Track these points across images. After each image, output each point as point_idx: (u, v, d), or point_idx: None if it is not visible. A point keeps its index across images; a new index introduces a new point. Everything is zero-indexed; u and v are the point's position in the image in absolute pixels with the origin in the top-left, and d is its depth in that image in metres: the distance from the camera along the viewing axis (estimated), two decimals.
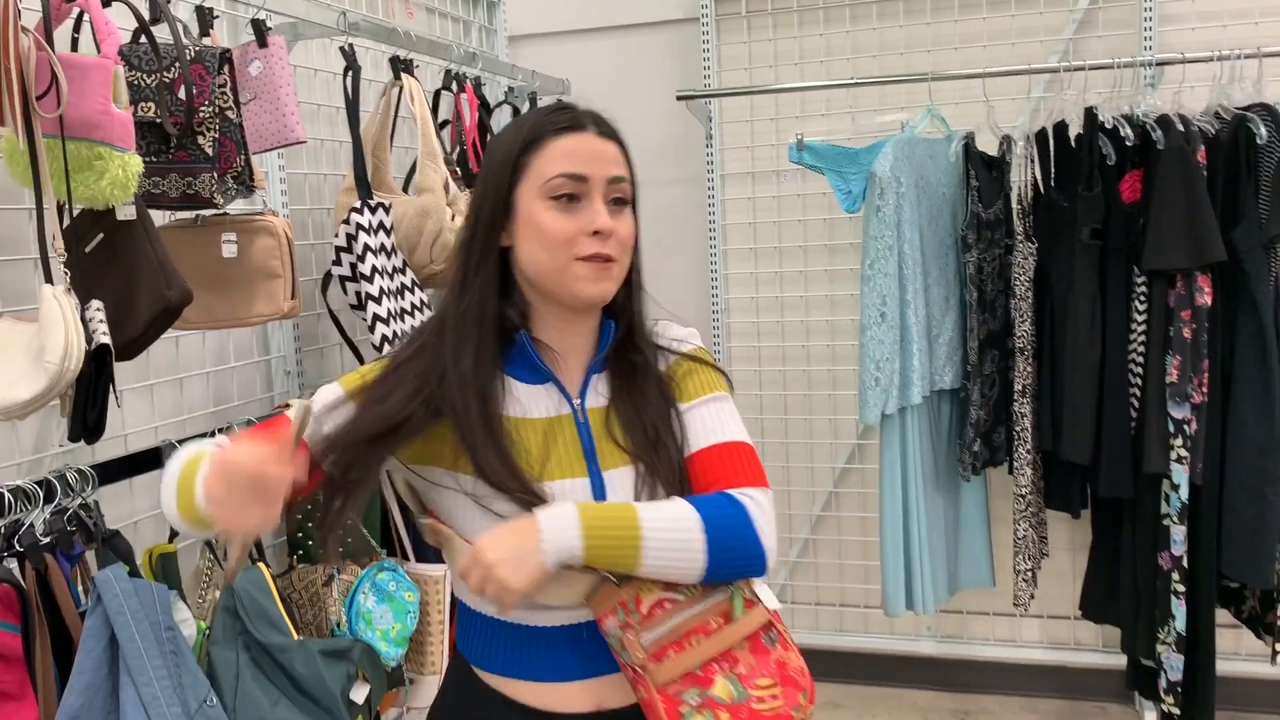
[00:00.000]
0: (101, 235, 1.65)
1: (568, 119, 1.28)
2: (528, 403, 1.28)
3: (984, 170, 2.91)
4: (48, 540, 1.54)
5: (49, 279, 1.52)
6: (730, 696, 1.21)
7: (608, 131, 1.30)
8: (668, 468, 1.27)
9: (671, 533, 1.18)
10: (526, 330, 1.29)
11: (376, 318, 2.23)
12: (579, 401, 1.30)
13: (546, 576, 1.15)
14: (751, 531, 1.21)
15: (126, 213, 1.62)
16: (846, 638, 3.60)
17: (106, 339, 1.52)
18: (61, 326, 1.46)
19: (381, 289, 2.26)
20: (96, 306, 1.55)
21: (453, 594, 1.39)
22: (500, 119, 3.14)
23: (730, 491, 1.24)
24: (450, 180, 2.47)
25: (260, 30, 2.00)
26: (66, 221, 1.62)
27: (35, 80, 1.48)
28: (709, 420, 1.31)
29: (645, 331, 1.36)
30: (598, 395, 1.31)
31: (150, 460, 1.86)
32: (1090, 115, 2.77)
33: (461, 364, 1.23)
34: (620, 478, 1.27)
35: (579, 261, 1.24)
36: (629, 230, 1.29)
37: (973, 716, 3.37)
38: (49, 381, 1.45)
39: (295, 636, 1.75)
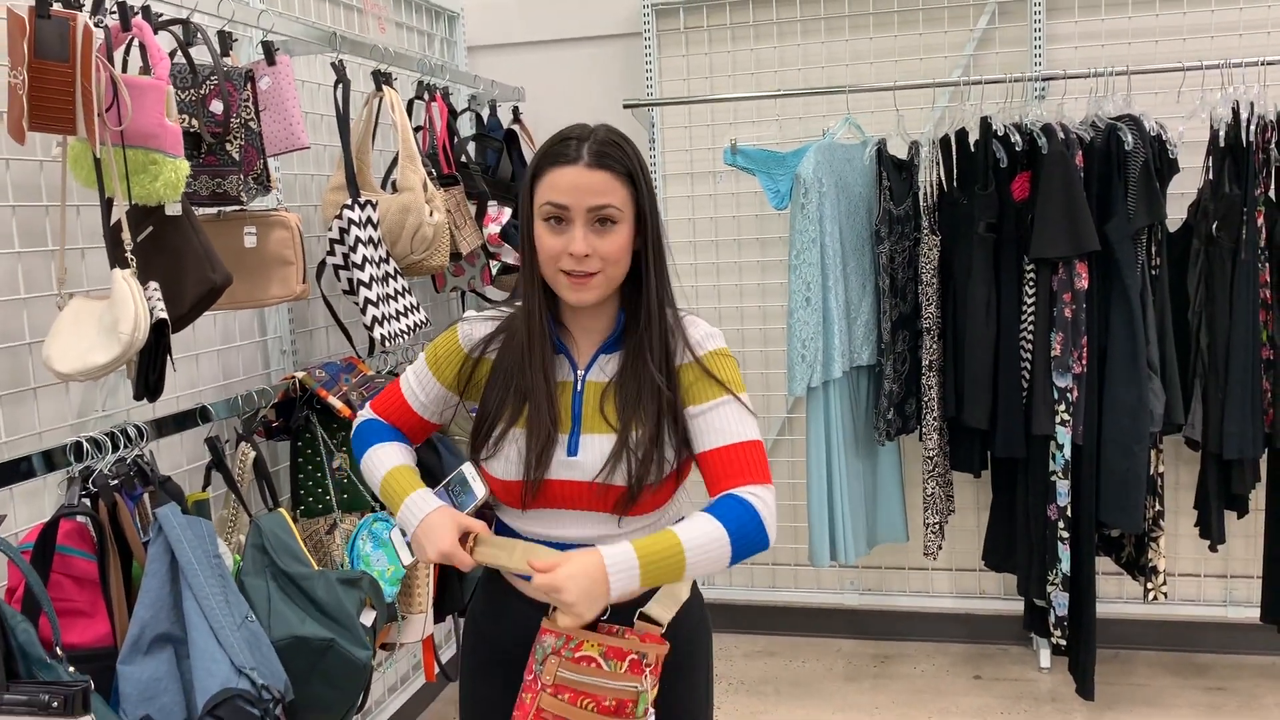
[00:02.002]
0: (150, 228, 1.93)
1: (562, 152, 1.51)
2: (557, 368, 1.61)
3: (895, 172, 3.30)
4: (116, 482, 1.84)
5: (116, 264, 1.80)
6: None
7: (598, 162, 1.50)
8: (644, 445, 1.53)
9: (707, 550, 1.44)
10: (553, 315, 1.61)
11: (368, 301, 2.54)
12: (581, 373, 1.61)
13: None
14: (761, 527, 1.47)
15: (174, 209, 1.91)
16: (778, 593, 3.98)
17: (164, 314, 1.81)
18: (132, 303, 1.75)
19: (371, 276, 2.57)
20: (154, 287, 1.84)
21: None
22: (463, 124, 3.45)
23: (741, 494, 1.49)
24: (427, 180, 2.78)
25: (269, 50, 2.30)
26: (116, 218, 1.91)
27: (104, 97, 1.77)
28: (719, 422, 1.54)
29: (663, 324, 1.58)
30: (602, 372, 1.60)
31: (179, 423, 2.16)
32: (985, 124, 3.17)
33: (529, 346, 1.59)
34: (595, 443, 1.56)
35: (562, 274, 1.54)
36: (611, 246, 1.51)
37: (891, 661, 3.75)
38: (122, 349, 1.74)
39: (315, 568, 2.07)
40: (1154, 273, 3.12)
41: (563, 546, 1.56)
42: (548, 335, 1.60)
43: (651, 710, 1.56)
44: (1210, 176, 3.10)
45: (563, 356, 1.63)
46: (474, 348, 1.67)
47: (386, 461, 1.65)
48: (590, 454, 1.56)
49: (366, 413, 1.76)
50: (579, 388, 1.60)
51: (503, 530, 1.67)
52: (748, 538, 1.47)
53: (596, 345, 1.62)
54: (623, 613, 1.57)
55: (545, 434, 1.55)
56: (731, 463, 1.52)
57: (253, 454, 2.24)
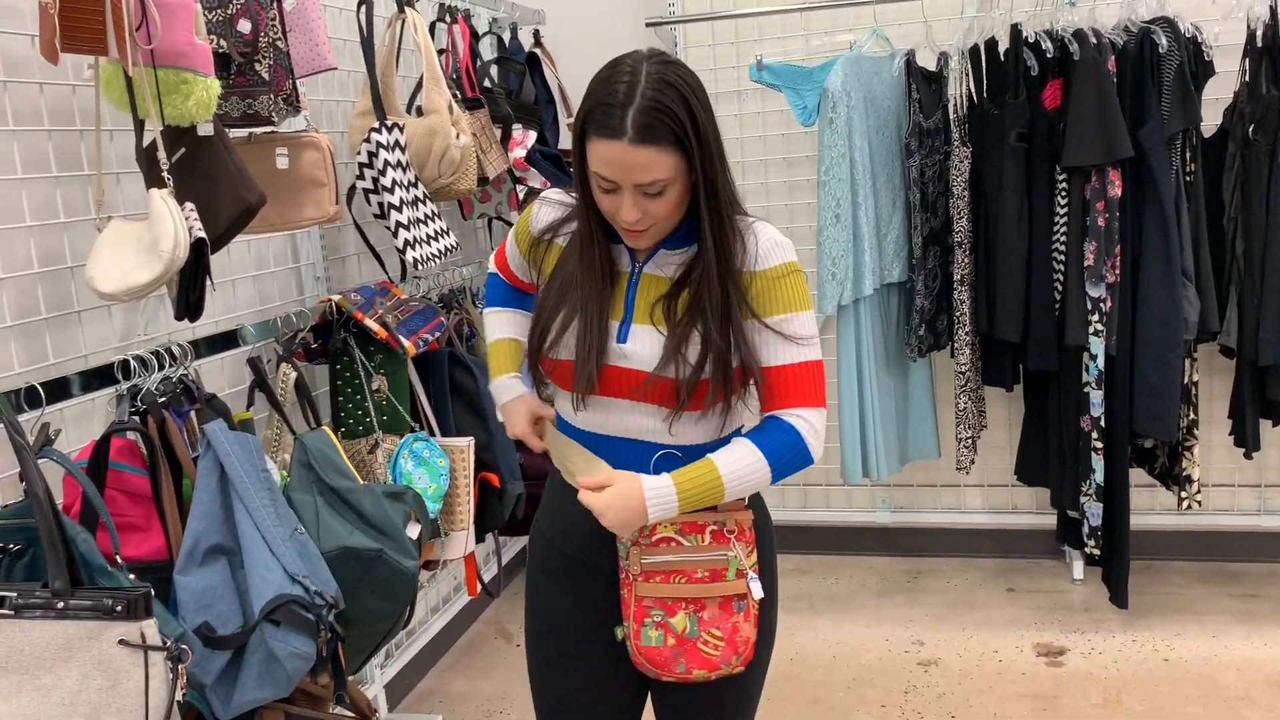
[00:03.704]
0: (184, 150, 1.94)
1: (606, 122, 1.45)
2: (616, 257, 1.64)
3: (924, 84, 3.25)
4: (164, 400, 1.87)
5: (153, 185, 1.81)
6: (684, 630, 1.58)
7: (643, 137, 1.43)
8: (696, 346, 1.54)
9: (746, 477, 1.52)
10: None
11: (399, 224, 2.54)
12: (639, 265, 1.62)
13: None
14: (801, 449, 1.53)
15: (206, 129, 1.91)
16: (810, 512, 4.01)
17: (202, 233, 1.82)
18: (171, 221, 1.76)
19: (401, 199, 2.57)
20: (190, 207, 1.85)
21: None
22: (485, 49, 3.42)
23: (785, 417, 1.54)
24: (453, 102, 2.77)
25: None
26: (148, 140, 1.91)
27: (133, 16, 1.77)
28: (773, 342, 1.55)
29: (728, 229, 1.55)
30: (660, 266, 1.61)
31: (217, 345, 2.19)
32: (1016, 31, 3.12)
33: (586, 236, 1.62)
34: (644, 333, 1.58)
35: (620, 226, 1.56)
36: (663, 209, 1.50)
37: (923, 576, 3.79)
38: (164, 267, 1.76)
39: (361, 483, 2.10)
40: (1188, 179, 3.08)
41: (615, 440, 1.62)
42: (604, 227, 1.61)
43: (753, 574, 1.59)
44: (1247, 78, 3.04)
45: (621, 247, 1.64)
46: (540, 231, 1.71)
47: (493, 331, 1.88)
48: (640, 345, 1.57)
49: (491, 264, 1.92)
50: (634, 278, 1.62)
51: (560, 423, 1.72)
52: (786, 461, 1.54)
53: (656, 242, 1.62)
54: None
55: (597, 319, 1.58)
56: (780, 383, 1.56)
57: (294, 374, 2.26)
